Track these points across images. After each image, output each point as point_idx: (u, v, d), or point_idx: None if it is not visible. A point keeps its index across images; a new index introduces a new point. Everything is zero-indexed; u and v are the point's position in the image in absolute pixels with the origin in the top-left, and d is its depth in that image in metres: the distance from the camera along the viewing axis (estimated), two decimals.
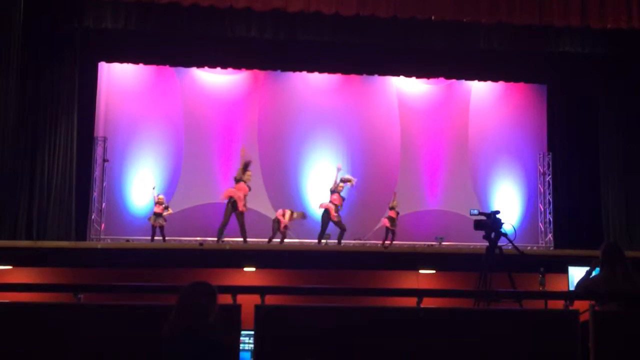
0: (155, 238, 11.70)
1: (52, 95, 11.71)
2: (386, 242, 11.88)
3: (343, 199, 11.39)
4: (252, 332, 4.18)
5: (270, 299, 4.50)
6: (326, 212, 11.20)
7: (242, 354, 3.91)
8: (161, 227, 11.71)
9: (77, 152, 11.97)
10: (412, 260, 8.99)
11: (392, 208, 12.24)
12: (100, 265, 8.37)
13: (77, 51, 11.97)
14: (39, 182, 11.44)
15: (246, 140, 13.54)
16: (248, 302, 4.29)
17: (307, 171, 13.66)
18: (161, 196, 12.03)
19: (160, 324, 3.69)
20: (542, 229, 13.89)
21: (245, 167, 10.63)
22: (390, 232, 12.07)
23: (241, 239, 10.62)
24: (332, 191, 11.27)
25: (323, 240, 11.35)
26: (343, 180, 11.39)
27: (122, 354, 4.11)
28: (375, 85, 14.18)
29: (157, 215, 11.73)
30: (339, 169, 11.46)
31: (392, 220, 12.11)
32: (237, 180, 10.55)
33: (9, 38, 10.69)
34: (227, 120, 13.68)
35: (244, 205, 10.52)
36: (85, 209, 12.26)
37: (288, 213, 11.25)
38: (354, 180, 11.59)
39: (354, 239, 12.68)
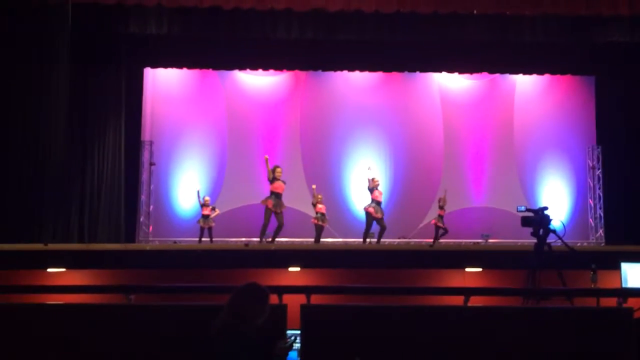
0: (203, 239, 11.88)
1: (100, 101, 12.06)
2: (432, 240, 11.88)
3: (380, 193, 11.42)
4: (299, 332, 4.21)
5: (315, 299, 4.52)
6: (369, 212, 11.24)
7: (289, 354, 3.92)
8: (209, 229, 11.89)
9: (125, 156, 12.29)
10: (458, 258, 8.87)
11: (441, 207, 12.21)
12: (149, 267, 8.53)
13: (123, 58, 12.30)
14: (89, 186, 11.80)
15: (288, 140, 13.64)
16: (293, 302, 4.32)
17: (349, 170, 13.65)
18: (207, 198, 12.22)
19: (208, 323, 3.74)
20: (593, 225, 13.54)
21: (274, 168, 10.77)
22: (438, 230, 12.05)
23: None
24: (371, 190, 11.28)
25: (367, 240, 11.34)
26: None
27: (172, 353, 4.19)
28: (417, 82, 14.07)
29: (206, 217, 11.91)
30: (369, 169, 11.47)
31: (440, 218, 12.09)
32: (272, 180, 10.66)
33: (58, 46, 11.03)
34: (270, 121, 13.80)
35: (280, 204, 10.63)
36: (133, 212, 12.57)
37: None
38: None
39: (399, 238, 12.61)
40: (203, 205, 12.03)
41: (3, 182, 10.59)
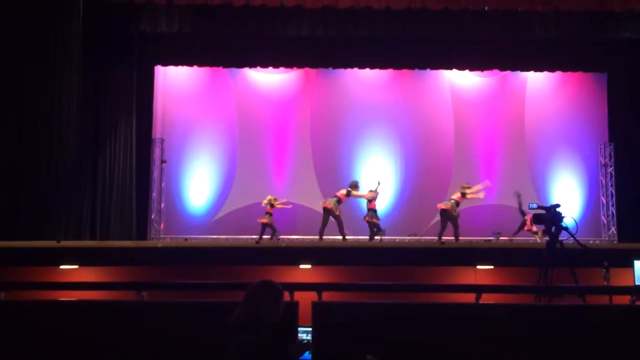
0: (254, 236, 11.70)
1: (111, 99, 12.12)
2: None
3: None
4: (310, 329, 4.21)
5: (326, 296, 4.52)
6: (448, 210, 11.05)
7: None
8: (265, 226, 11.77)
9: (136, 153, 12.34)
10: (470, 255, 8.85)
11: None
12: (160, 264, 8.59)
13: (134, 56, 12.35)
14: (101, 184, 11.87)
15: (299, 138, 13.64)
16: (304, 299, 4.32)
17: (360, 168, 13.63)
18: (271, 197, 12.03)
19: (219, 319, 3.75)
20: (605, 222, 13.44)
21: None
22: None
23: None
24: (464, 194, 11.15)
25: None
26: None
27: (185, 350, 4.21)
28: (427, 79, 14.00)
29: (270, 214, 11.75)
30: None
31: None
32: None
33: (70, 44, 11.11)
34: (280, 118, 13.79)
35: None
36: (145, 209, 12.62)
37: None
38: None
39: (410, 235, 12.58)
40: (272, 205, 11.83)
41: (16, 180, 10.69)
